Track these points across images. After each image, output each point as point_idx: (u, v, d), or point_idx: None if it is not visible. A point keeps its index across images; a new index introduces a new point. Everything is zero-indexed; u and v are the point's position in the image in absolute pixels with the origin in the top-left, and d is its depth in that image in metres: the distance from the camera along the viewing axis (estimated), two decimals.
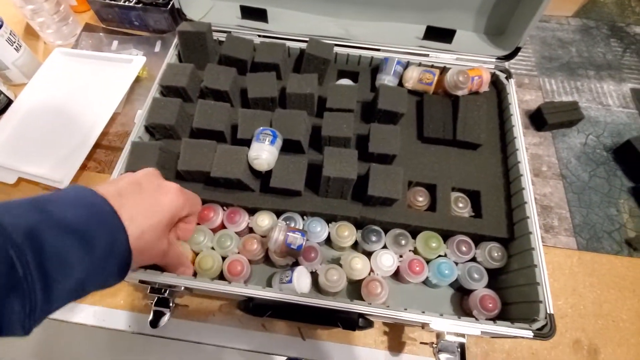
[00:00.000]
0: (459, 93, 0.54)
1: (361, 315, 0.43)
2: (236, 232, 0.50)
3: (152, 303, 0.43)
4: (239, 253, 0.49)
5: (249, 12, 0.60)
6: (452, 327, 0.40)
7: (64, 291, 0.25)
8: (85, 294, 0.29)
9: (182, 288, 0.42)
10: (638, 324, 0.53)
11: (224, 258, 0.49)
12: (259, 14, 0.60)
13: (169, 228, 0.36)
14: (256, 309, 0.42)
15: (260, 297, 0.41)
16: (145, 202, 0.32)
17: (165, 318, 0.43)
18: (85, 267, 0.26)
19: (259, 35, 0.61)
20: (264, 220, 0.50)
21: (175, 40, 0.59)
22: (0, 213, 0.24)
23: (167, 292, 0.42)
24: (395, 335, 0.51)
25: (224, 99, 0.53)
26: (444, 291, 0.52)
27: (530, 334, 0.40)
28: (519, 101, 0.71)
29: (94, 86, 0.70)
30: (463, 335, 0.40)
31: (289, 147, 0.50)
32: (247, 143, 0.49)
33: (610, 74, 0.75)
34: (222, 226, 0.51)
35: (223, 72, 0.53)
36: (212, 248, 0.49)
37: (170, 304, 0.43)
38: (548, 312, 0.41)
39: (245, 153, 0.46)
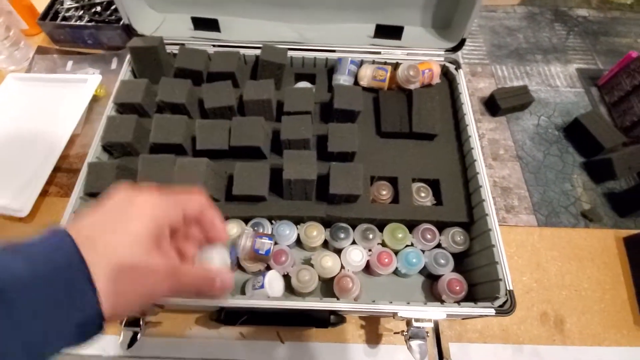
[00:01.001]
0: (412, 87, 0.56)
1: (332, 312, 0.43)
2: None
3: (121, 324, 0.43)
4: None
5: (200, 23, 0.60)
6: (419, 313, 0.41)
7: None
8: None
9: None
10: (599, 291, 0.56)
11: None
12: (210, 24, 0.60)
13: (155, 243, 0.27)
14: (228, 318, 0.43)
15: (230, 306, 0.42)
16: (108, 219, 0.25)
17: (137, 337, 0.43)
18: (36, 314, 0.21)
19: (214, 45, 0.61)
20: (232, 228, 0.50)
21: (128, 57, 0.59)
22: None
23: None
24: (372, 328, 0.52)
25: (181, 111, 0.53)
26: (414, 279, 0.53)
27: (492, 311, 0.41)
28: (474, 89, 0.74)
29: (49, 109, 0.68)
30: (430, 320, 0.42)
31: (250, 153, 0.50)
32: (206, 154, 0.49)
33: (557, 57, 0.79)
34: None
35: (178, 84, 0.53)
36: None
37: (141, 322, 0.43)
38: (508, 288, 0.43)
39: (205, 164, 0.46)
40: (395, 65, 0.60)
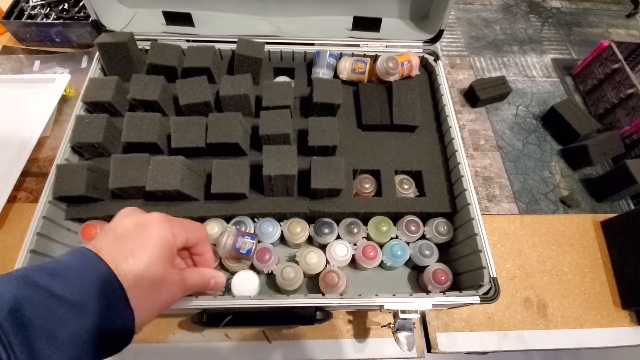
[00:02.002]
0: (391, 79, 0.56)
1: (318, 309, 0.43)
2: None
3: None
4: None
5: (173, 18, 0.58)
6: (405, 305, 0.41)
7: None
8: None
9: None
10: (579, 275, 0.57)
11: None
12: (183, 19, 0.58)
13: (169, 260, 0.31)
14: (211, 320, 0.41)
15: (213, 307, 0.40)
16: (126, 243, 0.29)
17: None
18: (80, 336, 0.24)
19: (188, 40, 0.59)
20: (213, 228, 0.48)
21: (97, 54, 0.56)
22: None
23: None
24: (360, 322, 0.52)
25: (155, 109, 0.51)
26: (400, 272, 0.53)
27: (477, 299, 0.42)
28: (454, 81, 0.74)
29: (16, 111, 0.64)
30: (417, 311, 0.41)
31: (228, 150, 0.49)
32: (182, 152, 0.47)
33: (532, 48, 0.80)
34: None
35: (150, 81, 0.51)
36: None
37: None
38: (491, 276, 0.43)
39: (180, 162, 0.44)
40: (375, 58, 0.60)
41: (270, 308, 0.40)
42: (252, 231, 0.49)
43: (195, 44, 0.57)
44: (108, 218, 0.47)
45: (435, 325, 0.53)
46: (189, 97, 0.50)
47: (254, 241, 0.45)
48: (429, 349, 0.52)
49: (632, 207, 0.63)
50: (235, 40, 0.57)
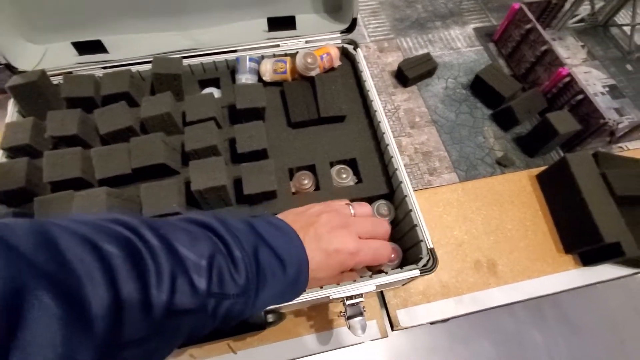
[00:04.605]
0: (313, 74, 0.56)
1: (268, 312, 0.43)
2: None
3: None
4: None
5: (83, 47, 0.57)
6: (350, 291, 0.42)
7: (262, 301, 0.31)
8: (268, 306, 0.35)
9: None
10: (522, 229, 0.60)
11: None
12: (95, 47, 0.57)
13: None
14: None
15: None
16: (322, 258, 0.35)
17: None
18: (279, 286, 0.32)
19: (105, 67, 0.58)
20: None
21: (12, 99, 0.54)
22: (235, 233, 0.30)
23: None
24: (322, 315, 0.53)
25: (77, 143, 0.50)
26: None
27: (417, 272, 0.43)
28: (384, 65, 0.76)
29: None
30: (362, 296, 0.43)
31: (157, 172, 0.49)
32: (109, 182, 0.47)
33: (454, 21, 0.83)
34: None
35: (67, 115, 0.50)
36: None
37: None
38: (429, 247, 0.45)
39: (104, 192, 0.44)
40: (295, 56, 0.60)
41: None
42: None
43: (109, 71, 0.56)
44: None
45: (395, 303, 0.54)
46: (109, 125, 0.50)
47: None
48: (392, 328, 0.53)
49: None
50: (151, 59, 0.56)
